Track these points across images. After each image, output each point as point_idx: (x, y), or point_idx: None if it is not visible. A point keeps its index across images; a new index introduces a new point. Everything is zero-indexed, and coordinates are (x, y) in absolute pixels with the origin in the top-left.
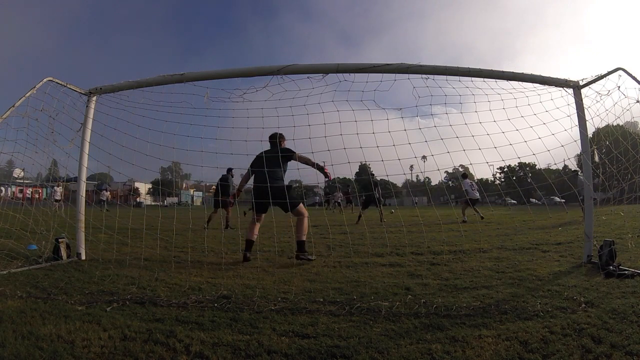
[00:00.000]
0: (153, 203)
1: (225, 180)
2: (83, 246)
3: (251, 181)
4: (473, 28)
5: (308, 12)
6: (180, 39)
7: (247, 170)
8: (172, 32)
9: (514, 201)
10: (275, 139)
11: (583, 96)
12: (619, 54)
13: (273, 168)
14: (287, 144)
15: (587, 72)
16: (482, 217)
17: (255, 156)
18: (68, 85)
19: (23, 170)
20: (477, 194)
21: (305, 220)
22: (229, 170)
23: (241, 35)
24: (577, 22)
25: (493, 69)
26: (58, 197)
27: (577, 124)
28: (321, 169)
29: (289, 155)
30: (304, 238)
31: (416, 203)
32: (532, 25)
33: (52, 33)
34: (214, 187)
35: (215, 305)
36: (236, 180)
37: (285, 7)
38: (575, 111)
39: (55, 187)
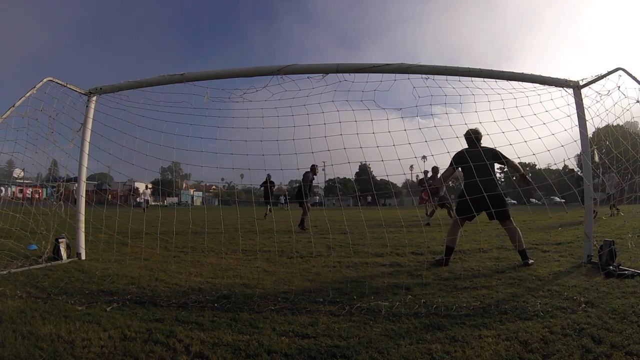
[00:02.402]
0: (153, 203)
1: (307, 180)
2: (83, 246)
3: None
4: (472, 30)
5: (307, 15)
6: (182, 41)
7: (449, 167)
8: (175, 36)
9: (514, 201)
10: (471, 136)
11: (583, 96)
12: (617, 55)
13: (485, 176)
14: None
15: (585, 73)
16: None
17: (458, 154)
18: (68, 85)
19: (23, 170)
20: None
21: (515, 226)
22: (313, 167)
23: (242, 38)
24: (574, 24)
25: (493, 69)
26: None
27: (577, 124)
28: (524, 177)
29: (499, 160)
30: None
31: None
32: (529, 28)
33: (55, 33)
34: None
35: (215, 305)
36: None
37: (284, 11)
38: (575, 111)
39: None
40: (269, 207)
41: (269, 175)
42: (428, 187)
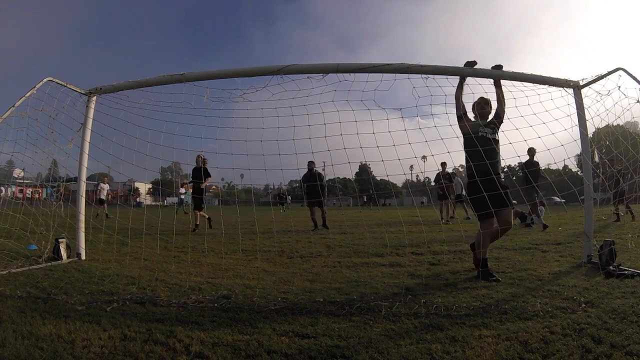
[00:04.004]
0: (153, 203)
1: (309, 179)
2: (83, 246)
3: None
4: (470, 32)
5: (307, 17)
6: (184, 44)
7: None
8: (176, 38)
9: (514, 201)
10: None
11: (583, 96)
12: (617, 56)
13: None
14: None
15: (584, 74)
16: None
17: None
18: (68, 85)
19: (23, 170)
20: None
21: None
22: (311, 163)
23: (243, 41)
24: (573, 26)
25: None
26: (104, 197)
27: (577, 123)
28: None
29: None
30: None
31: (423, 203)
32: (528, 29)
33: (56, 33)
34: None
35: (215, 305)
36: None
37: (284, 14)
38: (575, 111)
39: (102, 184)
40: (202, 209)
41: (201, 160)
42: (440, 184)
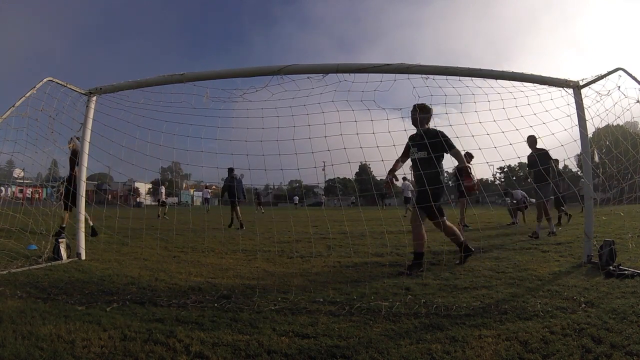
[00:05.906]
0: (153, 203)
1: (232, 181)
2: (83, 246)
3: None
4: (470, 33)
5: (307, 19)
6: (184, 46)
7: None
8: (177, 40)
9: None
10: (416, 113)
11: (583, 96)
12: (616, 56)
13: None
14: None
15: (584, 74)
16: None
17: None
18: (68, 85)
19: (23, 170)
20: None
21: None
22: (231, 170)
23: (243, 42)
24: (572, 26)
25: (492, 69)
26: (164, 198)
27: (577, 123)
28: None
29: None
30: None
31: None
32: (528, 30)
33: (59, 33)
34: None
35: (215, 305)
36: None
37: (284, 15)
38: (575, 111)
39: (162, 187)
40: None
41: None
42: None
